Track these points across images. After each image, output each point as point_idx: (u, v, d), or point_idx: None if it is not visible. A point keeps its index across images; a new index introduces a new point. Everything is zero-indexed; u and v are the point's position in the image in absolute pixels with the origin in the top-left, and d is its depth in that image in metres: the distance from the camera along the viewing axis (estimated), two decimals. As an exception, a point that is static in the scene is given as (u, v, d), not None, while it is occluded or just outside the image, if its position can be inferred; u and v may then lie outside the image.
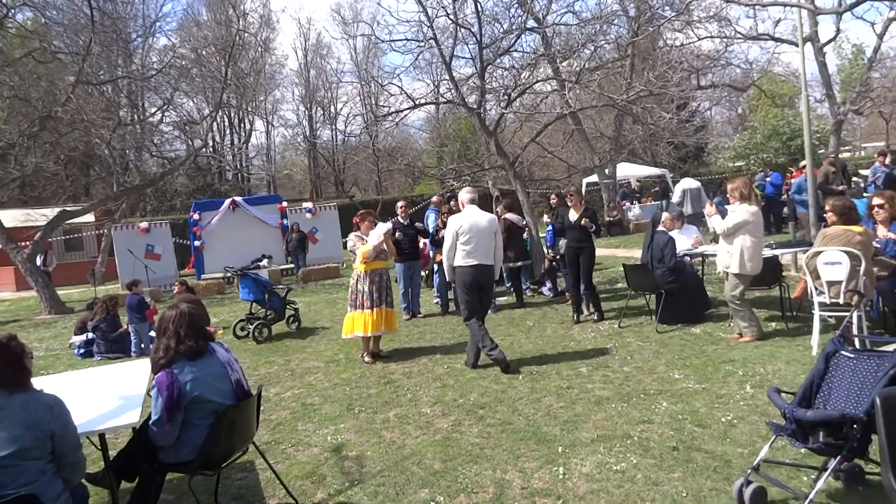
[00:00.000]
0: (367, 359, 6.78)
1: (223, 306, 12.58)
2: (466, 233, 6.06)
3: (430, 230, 9.29)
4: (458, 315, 8.23)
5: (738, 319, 6.20)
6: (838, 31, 12.99)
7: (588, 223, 7.62)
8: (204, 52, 24.03)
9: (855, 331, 4.89)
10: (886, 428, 2.36)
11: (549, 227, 10.04)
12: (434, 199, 9.69)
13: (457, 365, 6.25)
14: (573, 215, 7.82)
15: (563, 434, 4.23)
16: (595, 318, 7.76)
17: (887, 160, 12.50)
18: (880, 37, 12.15)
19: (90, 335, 8.63)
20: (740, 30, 13.59)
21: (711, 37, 13.91)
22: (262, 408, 5.41)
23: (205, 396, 3.04)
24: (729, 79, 23.34)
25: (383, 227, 6.79)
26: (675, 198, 15.62)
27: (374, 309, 6.67)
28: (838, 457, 2.78)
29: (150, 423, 3.00)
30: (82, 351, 8.62)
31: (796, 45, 11.81)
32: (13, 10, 13.73)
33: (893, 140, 30.49)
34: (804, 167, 11.31)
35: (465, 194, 6.41)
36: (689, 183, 14.92)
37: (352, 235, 6.95)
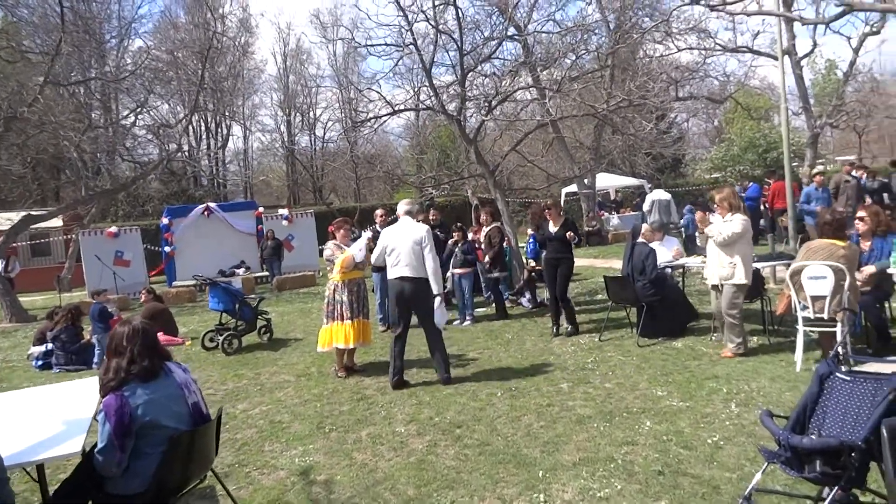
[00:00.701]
0: (340, 373, 6.53)
1: (193, 315, 12.20)
2: (392, 245, 5.91)
3: None
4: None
5: (731, 334, 6.01)
6: (815, 44, 13.13)
7: (571, 235, 7.47)
8: (180, 55, 23.56)
9: (840, 349, 4.78)
10: (894, 459, 2.20)
11: (531, 239, 9.88)
12: (378, 212, 9.26)
13: (433, 379, 6.04)
14: (552, 227, 7.66)
15: (544, 456, 4.04)
16: (569, 331, 7.58)
17: (854, 172, 12.65)
18: (856, 51, 12.29)
19: (49, 346, 8.25)
20: (720, 42, 13.65)
21: (691, 48, 14.00)
22: (227, 426, 5.20)
23: (158, 421, 2.78)
24: (706, 91, 23.60)
25: (364, 241, 6.56)
26: (645, 208, 15.77)
27: (353, 320, 6.44)
28: (836, 487, 2.62)
29: (96, 451, 2.74)
30: (40, 363, 8.22)
31: (775, 58, 11.92)
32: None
33: (866, 154, 31.09)
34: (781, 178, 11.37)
35: (401, 205, 6.17)
36: (659, 194, 15.04)
37: (329, 244, 6.72)
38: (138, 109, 19.54)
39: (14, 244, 17.55)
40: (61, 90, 15.75)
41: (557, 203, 8.06)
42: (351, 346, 6.42)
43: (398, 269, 5.85)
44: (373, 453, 4.36)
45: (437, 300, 5.79)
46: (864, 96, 19.11)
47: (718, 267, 6.03)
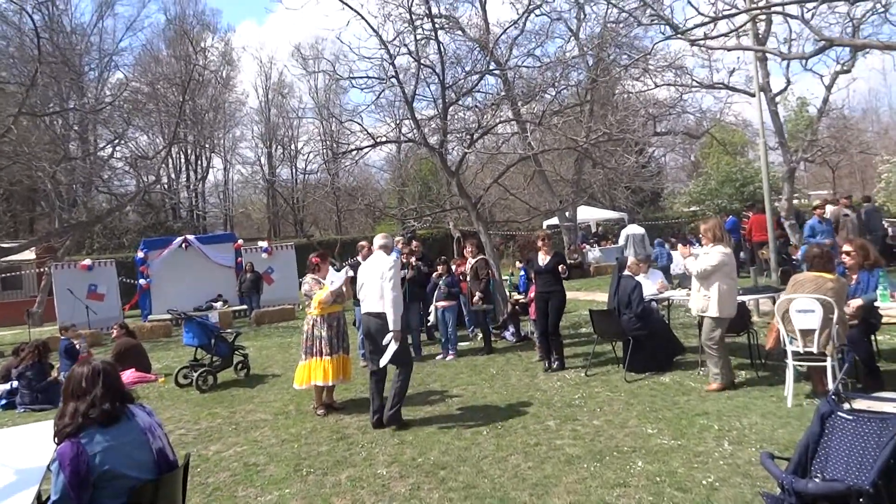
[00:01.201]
0: (319, 411, 6.28)
1: (168, 350, 11.83)
2: (362, 279, 5.86)
3: None
4: (418, 362, 7.84)
5: (711, 365, 5.97)
6: (788, 82, 13.39)
7: (564, 269, 7.36)
8: (160, 87, 23.46)
9: (830, 384, 4.70)
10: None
11: (522, 272, 9.74)
12: (398, 238, 9.31)
13: (416, 416, 5.83)
14: (542, 259, 7.53)
15: (533, 500, 3.84)
16: (556, 366, 7.40)
17: (828, 208, 12.92)
18: (828, 88, 12.53)
19: (14, 384, 7.87)
20: (697, 79, 13.88)
21: (668, 84, 14.18)
22: (198, 469, 4.93)
23: (118, 471, 2.55)
24: (683, 126, 24.04)
25: (341, 274, 6.38)
26: (620, 242, 15.91)
27: (333, 356, 6.23)
28: (843, 534, 2.48)
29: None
30: (4, 402, 7.83)
31: (752, 94, 12.11)
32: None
33: (839, 188, 31.77)
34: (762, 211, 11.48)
35: (376, 239, 6.00)
36: (634, 229, 15.24)
37: (308, 278, 6.52)
38: (116, 141, 19.33)
39: (-17, 277, 17.07)
40: (37, 121, 15.50)
41: (549, 235, 7.86)
42: (330, 382, 6.20)
43: (366, 304, 5.74)
44: (352, 498, 4.13)
45: (389, 335, 5.47)
46: (837, 132, 19.55)
47: (697, 298, 6.00)
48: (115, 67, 32.33)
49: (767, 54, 10.90)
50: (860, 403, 3.06)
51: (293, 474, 4.66)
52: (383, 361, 5.56)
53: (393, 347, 5.48)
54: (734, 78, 15.15)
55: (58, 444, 2.56)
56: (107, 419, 2.61)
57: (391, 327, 5.47)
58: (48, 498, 2.55)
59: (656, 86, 14.34)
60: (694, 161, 37.75)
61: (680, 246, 6.71)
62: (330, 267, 6.64)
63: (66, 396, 2.66)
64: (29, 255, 20.11)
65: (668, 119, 20.69)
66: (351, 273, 6.62)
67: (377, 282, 5.63)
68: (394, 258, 5.81)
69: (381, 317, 5.57)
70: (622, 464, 4.30)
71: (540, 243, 7.65)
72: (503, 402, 6.18)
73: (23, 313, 17.24)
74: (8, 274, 21.06)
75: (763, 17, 11.18)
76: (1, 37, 16.38)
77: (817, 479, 2.67)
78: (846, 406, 2.89)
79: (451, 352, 8.72)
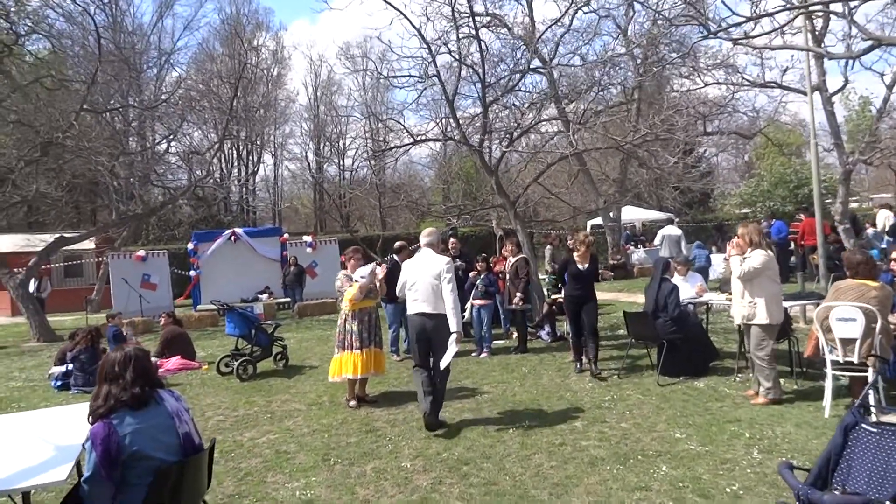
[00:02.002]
0: (352, 403, 6.42)
1: (213, 339, 12.24)
2: (412, 279, 5.60)
3: None
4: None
5: (762, 379, 5.66)
6: (846, 80, 12.81)
7: (609, 274, 7.24)
8: (213, 85, 24.23)
9: (871, 399, 4.52)
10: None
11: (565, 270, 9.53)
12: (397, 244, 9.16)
13: (444, 413, 5.88)
14: (581, 264, 7.31)
15: (552, 499, 3.86)
16: (589, 367, 7.20)
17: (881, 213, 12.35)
18: (889, 87, 11.96)
19: (69, 367, 8.31)
20: (748, 77, 13.45)
21: (718, 83, 13.81)
22: (232, 454, 5.12)
23: (145, 452, 2.70)
24: (735, 126, 23.32)
25: (368, 268, 6.46)
26: (656, 242, 15.68)
27: (363, 350, 6.36)
28: (860, 549, 2.42)
29: (83, 480, 2.67)
30: (59, 383, 8.27)
31: (804, 94, 11.69)
32: (24, 38, 13.80)
33: (902, 192, 30.24)
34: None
35: (423, 236, 5.82)
36: (670, 230, 15.04)
37: (340, 275, 6.68)
38: (171, 136, 20.05)
39: (48, 265, 18.01)
40: (98, 117, 16.24)
41: (588, 240, 7.55)
42: (360, 376, 6.33)
43: (417, 304, 5.53)
44: (375, 489, 4.23)
45: (453, 338, 5.33)
46: (899, 133, 18.64)
47: (740, 306, 5.80)
48: (172, 66, 33.55)
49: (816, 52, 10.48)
50: (891, 417, 2.96)
51: (321, 463, 4.80)
52: (444, 363, 5.37)
53: (454, 349, 5.34)
54: (788, 76, 14.63)
55: (91, 424, 2.73)
56: (137, 402, 2.76)
57: (451, 328, 5.31)
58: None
59: (705, 84, 14.00)
60: (747, 162, 36.62)
61: (728, 246, 6.46)
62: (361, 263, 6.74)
63: (100, 379, 2.83)
64: (89, 244, 21.12)
65: (719, 118, 20.14)
66: (378, 270, 6.56)
67: (430, 281, 5.44)
68: (446, 258, 5.63)
69: (436, 318, 5.41)
70: (646, 467, 4.27)
71: (584, 248, 7.35)
72: (532, 402, 6.18)
73: (82, 300, 18.13)
74: (70, 262, 22.14)
75: (820, 14, 10.78)
76: (66, 36, 17.19)
77: (837, 492, 2.60)
78: (871, 418, 2.81)
79: (485, 349, 8.75)
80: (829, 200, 17.18)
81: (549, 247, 15.97)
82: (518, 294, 8.97)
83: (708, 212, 30.64)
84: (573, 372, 7.33)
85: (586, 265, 7.30)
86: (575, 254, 7.41)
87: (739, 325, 6.15)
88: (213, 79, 26.92)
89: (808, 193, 21.21)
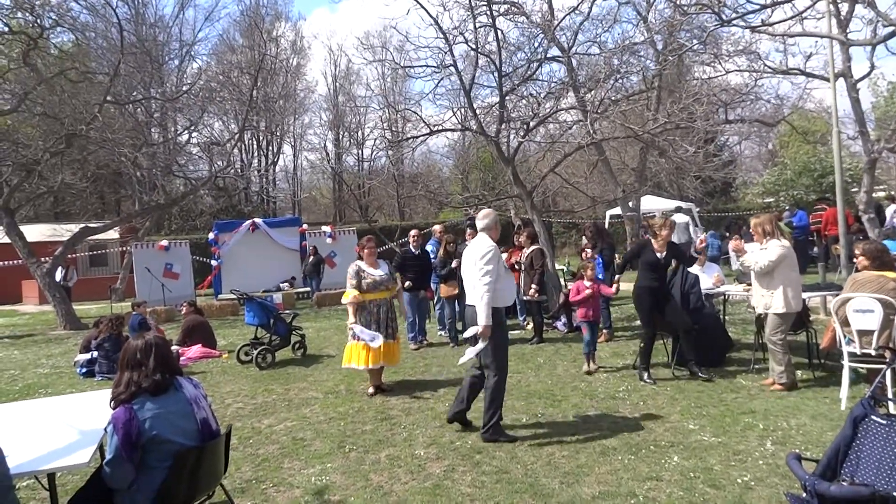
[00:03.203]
0: (369, 390, 6.51)
1: (234, 328, 12.44)
2: (463, 266, 5.18)
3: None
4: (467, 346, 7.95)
5: (775, 363, 5.74)
6: (872, 66, 12.51)
7: (702, 257, 6.76)
8: (233, 76, 24.43)
9: (890, 392, 4.49)
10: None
11: (599, 260, 9.30)
12: (436, 227, 9.35)
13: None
14: (659, 252, 6.49)
15: (563, 488, 3.90)
16: (696, 371, 6.34)
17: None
18: (917, 74, 11.72)
19: (94, 354, 8.52)
20: (770, 64, 13.21)
21: (740, 70, 13.60)
22: (250, 440, 5.24)
23: (164, 436, 2.80)
24: (759, 114, 22.93)
25: (370, 336, 6.26)
26: None
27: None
28: (867, 540, 2.42)
29: (105, 463, 2.77)
30: (84, 370, 8.49)
31: (828, 81, 11.46)
32: (48, 31, 14.05)
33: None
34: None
35: (478, 220, 5.25)
36: (679, 217, 14.87)
37: (352, 266, 6.65)
38: (192, 127, 20.28)
39: (74, 254, 18.41)
40: (121, 109, 16.50)
41: (671, 222, 6.71)
42: (369, 366, 6.37)
43: (467, 294, 5.12)
44: (389, 476, 4.31)
45: (472, 329, 4.88)
46: (927, 120, 18.15)
47: (760, 295, 5.80)
48: (192, 57, 33.87)
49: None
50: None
51: (336, 450, 4.89)
52: (463, 359, 4.98)
53: (481, 345, 4.82)
54: (812, 62, 14.37)
55: (113, 409, 2.83)
56: (157, 389, 2.86)
57: (479, 321, 4.77)
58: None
59: (727, 72, 13.79)
60: (771, 150, 35.96)
61: (733, 242, 6.45)
62: (378, 260, 6.74)
63: (122, 366, 2.93)
64: (114, 234, 21.54)
65: (741, 106, 19.83)
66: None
67: (471, 269, 4.95)
68: (490, 243, 4.97)
69: (473, 310, 4.91)
70: (657, 458, 4.28)
71: (665, 232, 6.48)
72: (546, 392, 6.21)
73: (107, 289, 18.51)
74: (95, 252, 22.61)
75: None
76: (90, 29, 17.45)
77: (845, 483, 2.61)
78: (881, 410, 2.80)
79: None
80: (855, 189, 16.85)
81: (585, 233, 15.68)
82: (533, 286, 8.95)
83: (730, 201, 30.23)
84: (641, 381, 6.37)
85: (664, 253, 6.51)
86: (654, 241, 6.57)
87: (760, 315, 6.13)
88: (233, 70, 27.10)
89: (833, 182, 20.84)
